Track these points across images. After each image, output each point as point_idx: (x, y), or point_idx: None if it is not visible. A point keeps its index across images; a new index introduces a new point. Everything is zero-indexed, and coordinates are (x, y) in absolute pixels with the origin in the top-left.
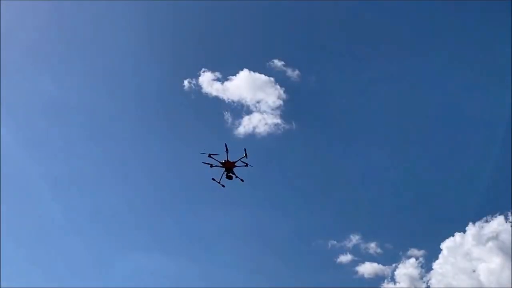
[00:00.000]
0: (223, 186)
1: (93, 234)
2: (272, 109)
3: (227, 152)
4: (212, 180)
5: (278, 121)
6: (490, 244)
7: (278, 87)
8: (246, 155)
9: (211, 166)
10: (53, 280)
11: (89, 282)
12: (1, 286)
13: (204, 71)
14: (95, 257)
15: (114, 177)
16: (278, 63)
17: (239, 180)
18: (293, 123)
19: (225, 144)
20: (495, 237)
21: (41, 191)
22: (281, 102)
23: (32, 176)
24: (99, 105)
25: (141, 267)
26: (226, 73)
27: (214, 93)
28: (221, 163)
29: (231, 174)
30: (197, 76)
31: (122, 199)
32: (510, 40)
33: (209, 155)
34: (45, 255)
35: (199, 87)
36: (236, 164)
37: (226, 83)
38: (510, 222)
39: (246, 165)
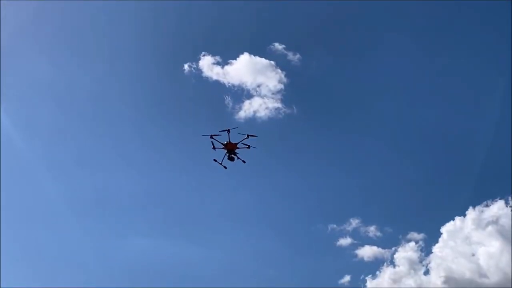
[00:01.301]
0: (225, 167)
1: (94, 219)
2: (273, 93)
3: (229, 134)
4: (214, 161)
5: (279, 105)
6: (490, 228)
7: (279, 71)
8: (248, 136)
9: (214, 147)
10: (53, 267)
11: (90, 268)
12: (1, 286)
13: (204, 55)
14: (97, 242)
15: (115, 162)
16: (278, 46)
17: (241, 161)
18: (294, 107)
19: (228, 130)
20: (495, 221)
21: (41, 178)
22: (281, 86)
23: (32, 163)
24: (99, 89)
25: (143, 251)
26: (226, 57)
27: (215, 77)
28: (223, 144)
29: (233, 155)
30: (197, 60)
31: (123, 183)
32: (510, 40)
33: (211, 136)
34: (46, 243)
35: (199, 71)
36: (238, 146)
37: (226, 67)
38: (510, 206)
39: (248, 147)
